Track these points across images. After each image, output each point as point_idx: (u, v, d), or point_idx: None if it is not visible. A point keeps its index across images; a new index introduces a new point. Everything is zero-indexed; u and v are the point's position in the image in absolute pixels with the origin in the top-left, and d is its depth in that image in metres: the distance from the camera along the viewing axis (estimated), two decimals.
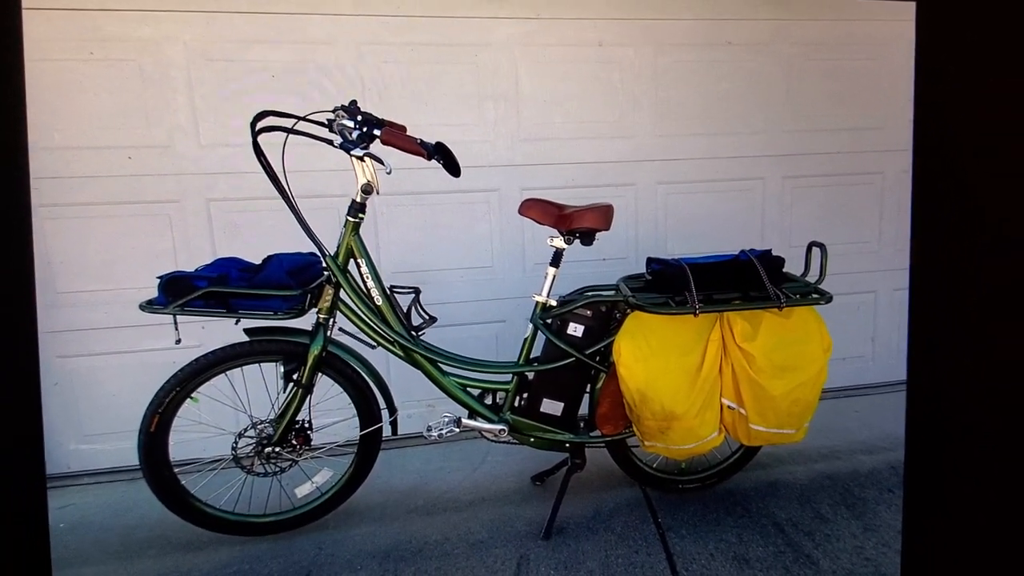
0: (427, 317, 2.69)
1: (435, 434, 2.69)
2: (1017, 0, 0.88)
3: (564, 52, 3.46)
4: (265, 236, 3.22)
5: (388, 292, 2.64)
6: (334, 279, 2.53)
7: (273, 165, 2.39)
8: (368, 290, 2.59)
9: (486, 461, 3.31)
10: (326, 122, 2.45)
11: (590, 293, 2.72)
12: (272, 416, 2.62)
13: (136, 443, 2.46)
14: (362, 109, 2.45)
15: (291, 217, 2.44)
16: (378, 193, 2.52)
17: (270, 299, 2.38)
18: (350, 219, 2.51)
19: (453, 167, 2.58)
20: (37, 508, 1.10)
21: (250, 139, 2.32)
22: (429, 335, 2.74)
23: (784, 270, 2.58)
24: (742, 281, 2.47)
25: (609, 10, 3.45)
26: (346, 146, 2.40)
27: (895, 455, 3.24)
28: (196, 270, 2.46)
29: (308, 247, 2.54)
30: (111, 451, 3.30)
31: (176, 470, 2.56)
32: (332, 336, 2.59)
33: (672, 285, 2.46)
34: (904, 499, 1.20)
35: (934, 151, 1.04)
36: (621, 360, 2.43)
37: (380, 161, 2.39)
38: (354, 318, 2.60)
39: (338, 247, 2.54)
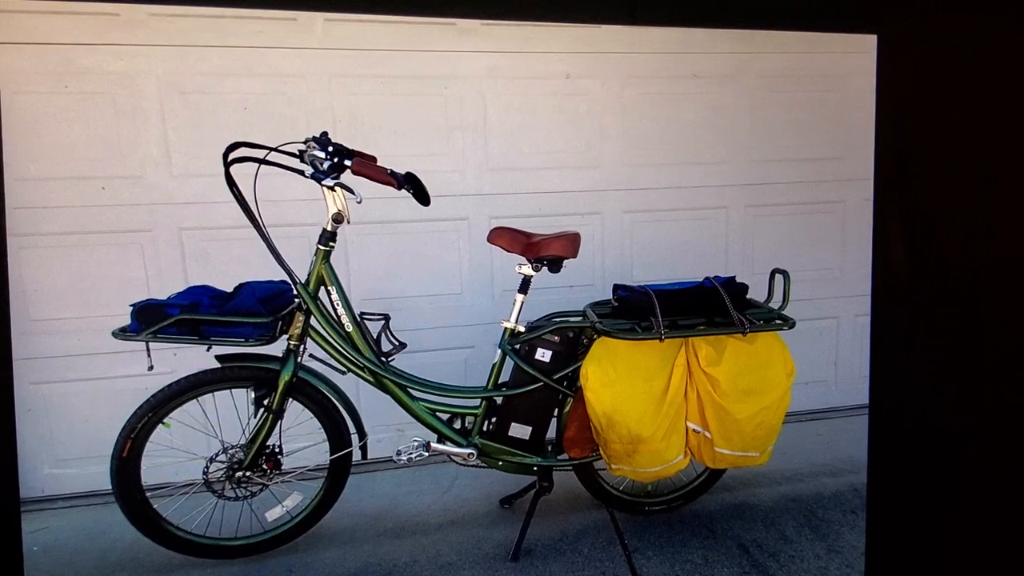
0: (397, 343, 2.72)
1: (404, 458, 2.72)
2: (973, 33, 0.93)
3: (531, 84, 3.52)
4: (237, 264, 3.24)
5: (358, 319, 2.67)
6: (305, 306, 2.56)
7: (245, 195, 2.42)
8: (338, 317, 2.63)
9: (455, 484, 3.33)
10: (298, 153, 2.50)
11: (558, 319, 2.76)
12: (243, 441, 2.63)
13: (109, 468, 2.47)
14: (333, 140, 2.49)
15: (263, 246, 2.48)
16: (349, 222, 2.56)
17: (241, 326, 2.41)
18: (321, 247, 2.55)
19: (423, 196, 2.63)
20: (10, 531, 1.11)
21: (222, 170, 2.36)
22: (399, 361, 2.77)
23: (748, 296, 2.64)
24: (707, 307, 2.52)
25: (576, 44, 3.53)
26: (317, 176, 2.43)
27: (858, 477, 3.29)
28: (168, 298, 2.48)
29: (279, 275, 2.58)
30: (84, 475, 3.29)
31: (148, 494, 2.57)
32: (302, 362, 2.62)
33: (638, 311, 2.51)
34: (867, 520, 1.22)
35: (895, 180, 1.07)
36: (588, 385, 2.47)
37: (351, 191, 2.44)
38: (324, 344, 2.63)
39: (309, 275, 2.57)
